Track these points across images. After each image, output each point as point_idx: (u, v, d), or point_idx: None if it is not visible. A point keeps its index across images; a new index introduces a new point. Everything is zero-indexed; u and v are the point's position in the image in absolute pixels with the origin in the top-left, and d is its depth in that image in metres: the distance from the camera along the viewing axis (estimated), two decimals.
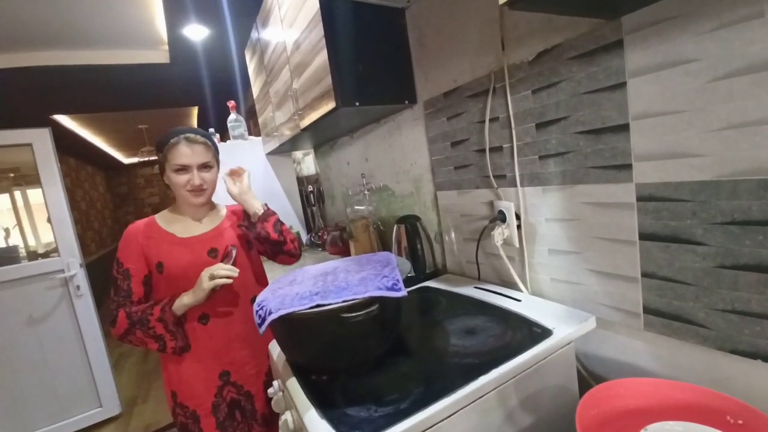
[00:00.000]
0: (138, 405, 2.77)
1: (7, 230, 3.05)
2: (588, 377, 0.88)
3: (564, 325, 0.79)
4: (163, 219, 1.14)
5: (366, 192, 1.77)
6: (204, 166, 1.09)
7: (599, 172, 0.79)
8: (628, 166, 0.73)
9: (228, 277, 1.03)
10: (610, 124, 0.75)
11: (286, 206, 2.54)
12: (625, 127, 0.72)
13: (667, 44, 0.64)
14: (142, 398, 2.86)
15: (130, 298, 1.05)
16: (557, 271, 0.94)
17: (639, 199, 0.73)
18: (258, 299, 0.82)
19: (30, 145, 2.29)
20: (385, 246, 1.67)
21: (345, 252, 1.92)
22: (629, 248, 0.76)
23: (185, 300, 1.04)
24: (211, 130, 1.94)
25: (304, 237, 2.50)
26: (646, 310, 0.76)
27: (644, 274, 0.75)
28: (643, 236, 0.74)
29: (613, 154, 0.76)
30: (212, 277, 1.01)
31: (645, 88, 0.69)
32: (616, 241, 0.79)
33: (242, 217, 1.23)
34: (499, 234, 1.03)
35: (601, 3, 0.67)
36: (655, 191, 0.70)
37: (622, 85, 0.72)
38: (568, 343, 0.77)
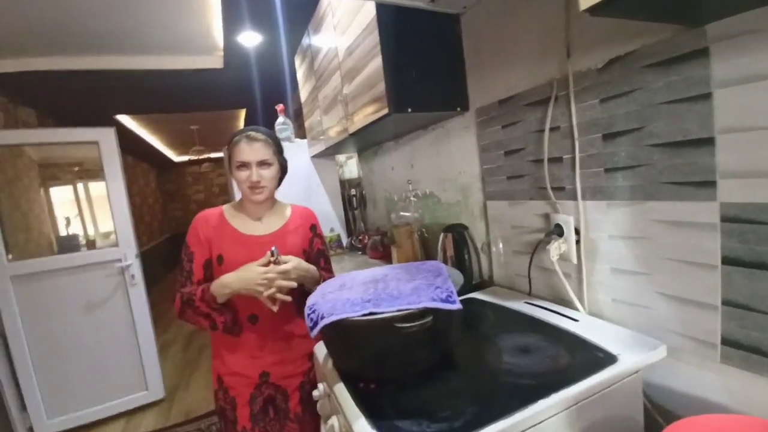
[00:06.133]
0: (179, 392, 2.89)
1: (68, 219, 3.29)
2: (652, 409, 0.82)
3: (630, 351, 0.73)
4: (229, 212, 1.19)
5: (412, 198, 1.76)
6: (262, 164, 1.11)
7: (675, 188, 0.73)
8: (711, 183, 0.67)
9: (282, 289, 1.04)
10: (690, 137, 0.69)
11: (328, 209, 2.58)
12: (708, 141, 0.67)
13: (757, 55, 0.59)
14: (184, 386, 2.99)
15: (191, 278, 1.11)
16: (620, 292, 0.88)
17: (723, 219, 0.67)
18: (309, 302, 0.82)
19: (96, 143, 2.46)
20: (427, 253, 1.65)
21: (385, 257, 1.92)
22: (708, 273, 0.70)
23: (227, 287, 1.04)
24: None
25: (345, 240, 2.52)
26: (725, 342, 0.70)
27: (725, 302, 0.69)
28: (726, 260, 0.67)
29: (692, 170, 0.70)
30: (269, 285, 1.03)
31: (733, 100, 0.63)
32: (692, 264, 0.73)
33: (309, 222, 1.26)
34: (555, 249, 0.98)
35: (688, 11, 0.62)
36: (740, 212, 0.64)
37: (707, 96, 0.66)
38: (636, 372, 0.72)
